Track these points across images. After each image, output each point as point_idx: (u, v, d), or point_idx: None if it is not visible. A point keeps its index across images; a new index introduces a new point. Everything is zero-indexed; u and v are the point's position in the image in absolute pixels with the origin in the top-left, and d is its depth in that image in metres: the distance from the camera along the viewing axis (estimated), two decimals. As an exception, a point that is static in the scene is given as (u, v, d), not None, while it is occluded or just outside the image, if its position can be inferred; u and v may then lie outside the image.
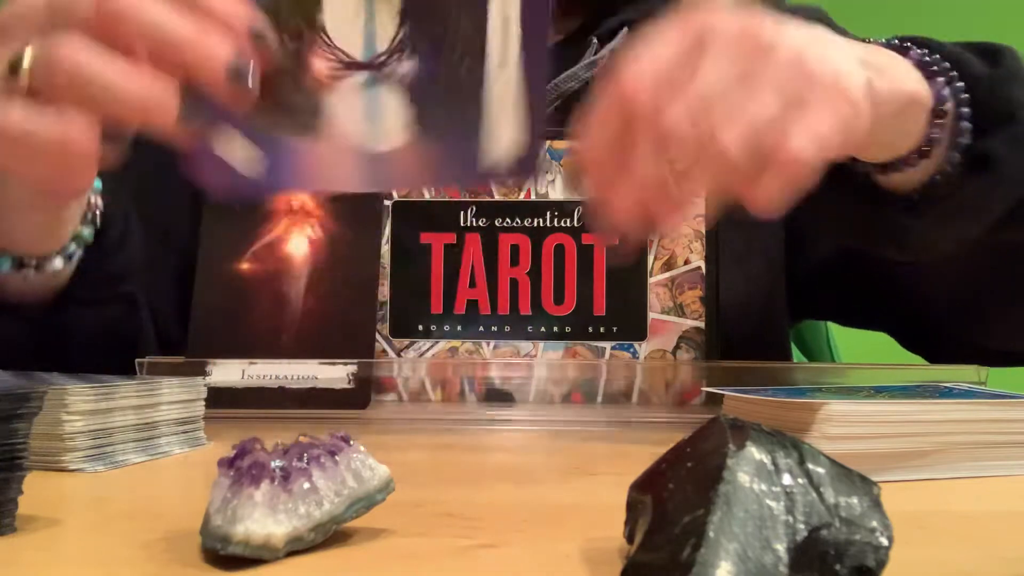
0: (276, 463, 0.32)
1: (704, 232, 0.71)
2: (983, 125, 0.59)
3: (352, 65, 0.49)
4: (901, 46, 0.59)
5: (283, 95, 0.48)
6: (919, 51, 0.58)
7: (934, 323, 0.77)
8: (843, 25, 0.90)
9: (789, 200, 0.48)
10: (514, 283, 0.71)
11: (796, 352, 1.25)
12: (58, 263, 0.58)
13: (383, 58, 0.49)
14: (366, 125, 0.49)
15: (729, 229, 0.74)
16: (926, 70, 0.58)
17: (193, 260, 0.76)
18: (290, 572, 0.31)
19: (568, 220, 0.71)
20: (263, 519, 0.31)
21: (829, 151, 0.46)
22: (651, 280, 0.71)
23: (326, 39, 0.49)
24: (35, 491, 0.37)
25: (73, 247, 0.60)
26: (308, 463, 0.33)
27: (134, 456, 0.50)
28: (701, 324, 0.70)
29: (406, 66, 0.48)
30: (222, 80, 0.44)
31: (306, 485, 0.32)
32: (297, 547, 0.32)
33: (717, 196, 0.49)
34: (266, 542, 0.31)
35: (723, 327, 0.71)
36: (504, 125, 0.48)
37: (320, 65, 0.49)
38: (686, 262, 0.71)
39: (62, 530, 0.36)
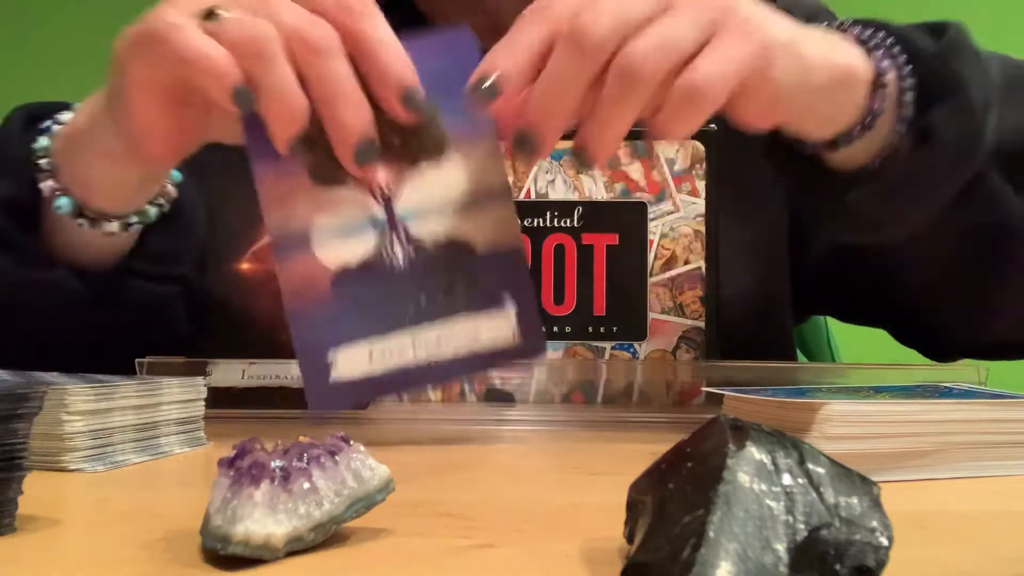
0: (276, 463, 0.32)
1: (704, 232, 0.71)
2: (927, 99, 0.59)
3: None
4: (840, 27, 0.60)
5: None
6: (858, 29, 0.59)
7: (923, 316, 0.77)
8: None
9: (691, 129, 0.50)
10: (514, 283, 0.71)
11: (797, 353, 1.25)
12: (113, 226, 0.61)
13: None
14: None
15: (729, 228, 0.74)
16: (866, 45, 0.58)
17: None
18: (290, 572, 0.31)
19: (568, 220, 0.71)
20: (263, 519, 0.31)
21: (731, 81, 0.49)
22: (651, 280, 0.71)
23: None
24: (35, 491, 0.37)
25: (133, 218, 0.62)
26: (308, 463, 0.33)
27: (134, 456, 0.50)
28: (701, 324, 0.71)
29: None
30: (347, 154, 0.50)
31: (306, 485, 0.32)
32: (297, 547, 0.32)
33: (627, 120, 0.50)
34: (266, 542, 0.31)
35: (723, 327, 0.71)
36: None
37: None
38: (686, 262, 0.71)
39: (62, 530, 0.36)
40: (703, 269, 0.71)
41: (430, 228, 0.53)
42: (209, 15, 0.49)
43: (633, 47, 0.48)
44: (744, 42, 0.50)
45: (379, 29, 0.50)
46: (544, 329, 0.53)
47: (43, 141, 0.61)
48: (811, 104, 0.55)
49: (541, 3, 0.50)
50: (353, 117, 0.49)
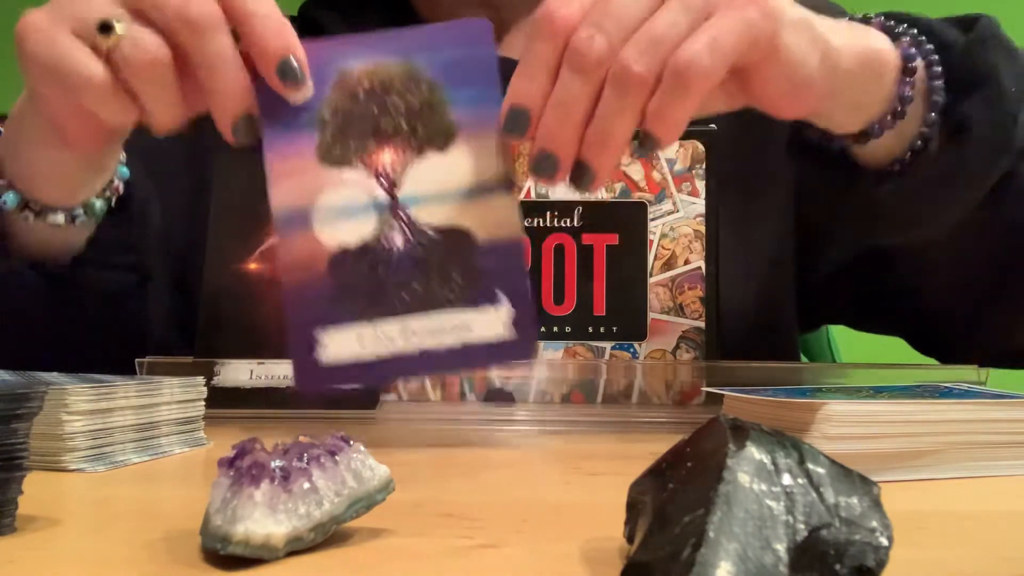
0: (276, 463, 0.32)
1: (704, 232, 0.71)
2: (958, 90, 0.58)
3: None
4: (864, 19, 0.59)
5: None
6: (882, 19, 0.58)
7: (945, 322, 0.76)
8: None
9: (685, 114, 0.49)
10: (514, 283, 0.71)
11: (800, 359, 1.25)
12: (59, 217, 0.62)
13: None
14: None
15: (730, 235, 0.74)
16: (891, 33, 0.57)
17: (189, 266, 0.78)
18: (290, 572, 0.31)
19: (568, 220, 0.71)
20: (263, 519, 0.31)
21: (722, 54, 0.48)
22: (651, 280, 0.71)
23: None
24: (35, 491, 0.37)
25: (79, 211, 0.63)
26: (308, 463, 0.33)
27: (134, 456, 0.50)
28: (701, 324, 0.70)
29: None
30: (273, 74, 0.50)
31: (306, 485, 0.32)
32: (297, 547, 0.32)
33: (627, 129, 0.50)
34: (266, 542, 0.31)
35: (724, 334, 0.71)
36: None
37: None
38: (686, 262, 0.71)
39: (62, 530, 0.36)
40: (703, 269, 0.71)
41: (431, 215, 0.53)
42: (104, 28, 0.51)
43: (624, 53, 0.48)
44: (738, 14, 0.49)
45: (257, 3, 0.51)
46: (539, 329, 0.54)
47: None
48: (838, 89, 0.54)
49: (543, 16, 0.50)
50: (229, 95, 0.51)
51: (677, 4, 0.49)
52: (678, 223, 0.72)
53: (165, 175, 0.78)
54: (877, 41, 0.56)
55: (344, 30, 0.87)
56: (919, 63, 0.57)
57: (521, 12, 0.90)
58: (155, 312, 0.78)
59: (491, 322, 0.51)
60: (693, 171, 0.72)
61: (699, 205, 0.72)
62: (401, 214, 0.53)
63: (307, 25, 0.91)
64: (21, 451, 0.35)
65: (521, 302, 0.51)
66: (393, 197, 0.53)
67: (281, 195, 0.52)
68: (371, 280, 0.52)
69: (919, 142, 0.58)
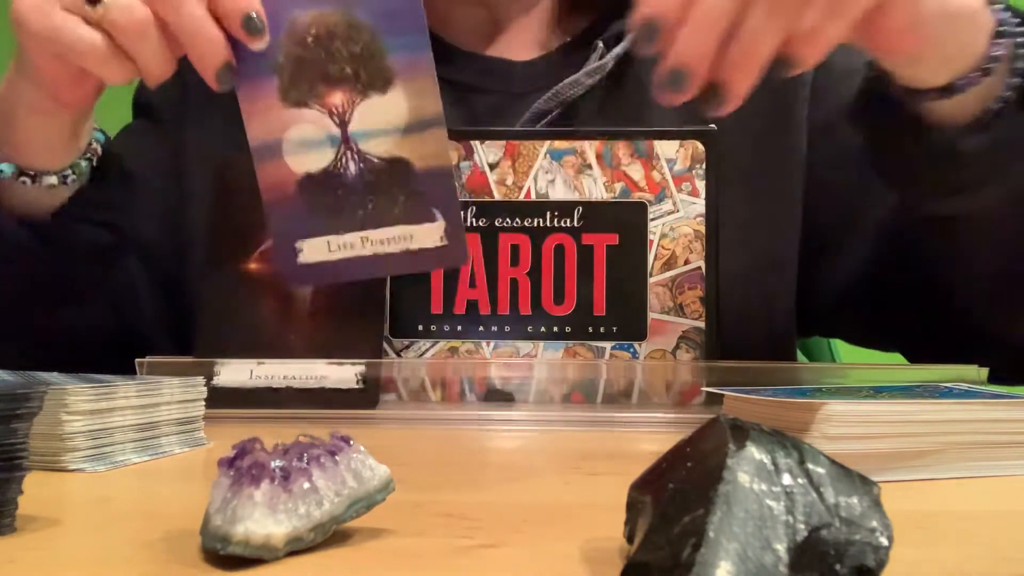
0: (276, 463, 0.32)
1: (704, 232, 0.71)
2: None
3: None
4: None
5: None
6: None
7: (960, 321, 0.75)
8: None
9: (837, 42, 0.51)
10: (514, 283, 0.71)
11: (797, 354, 1.25)
12: (53, 179, 0.69)
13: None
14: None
15: (730, 231, 0.74)
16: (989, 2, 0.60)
17: (176, 275, 0.83)
18: (290, 572, 0.31)
19: (568, 220, 0.71)
20: (263, 519, 0.31)
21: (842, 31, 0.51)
22: (651, 280, 0.71)
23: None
24: (35, 491, 0.37)
25: (69, 172, 0.70)
26: (308, 463, 0.33)
27: (134, 456, 0.50)
28: (701, 324, 0.70)
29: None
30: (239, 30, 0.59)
31: (306, 485, 0.32)
32: (297, 547, 0.32)
33: (777, 44, 0.51)
34: (266, 542, 0.31)
35: (724, 329, 0.71)
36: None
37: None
38: (686, 262, 0.71)
39: (62, 530, 0.36)
40: (703, 269, 0.71)
41: (376, 147, 0.63)
42: (92, 1, 0.58)
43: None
44: None
45: None
46: (464, 238, 0.64)
47: None
48: (942, 35, 0.56)
49: None
50: (210, 50, 0.59)
51: None
52: (678, 223, 0.72)
53: (145, 181, 0.83)
54: (978, 1, 0.58)
55: None
56: (1007, 29, 0.60)
57: (515, 12, 0.90)
58: (145, 307, 0.80)
59: (430, 233, 0.63)
60: (693, 171, 0.72)
61: (699, 205, 0.72)
62: (352, 146, 0.63)
63: None
64: (21, 451, 0.35)
65: (453, 218, 0.62)
66: (345, 132, 0.63)
67: (254, 130, 0.63)
68: (333, 200, 0.64)
69: (999, 103, 0.61)
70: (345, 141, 0.63)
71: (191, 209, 0.85)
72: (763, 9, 0.49)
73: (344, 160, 0.63)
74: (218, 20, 0.59)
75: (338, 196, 0.63)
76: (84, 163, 0.71)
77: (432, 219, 0.62)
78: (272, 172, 0.63)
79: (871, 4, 0.51)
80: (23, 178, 0.68)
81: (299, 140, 0.63)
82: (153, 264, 0.83)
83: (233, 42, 0.60)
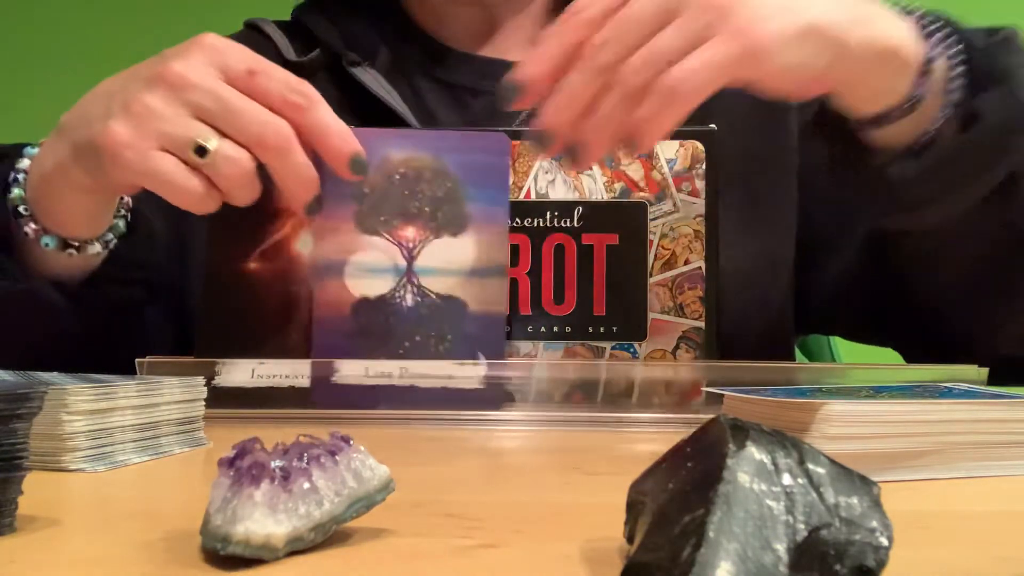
0: (276, 463, 0.32)
1: (704, 232, 0.71)
2: (975, 86, 0.62)
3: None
4: (908, 9, 0.63)
5: None
6: (922, 15, 0.63)
7: (937, 325, 0.76)
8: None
9: (670, 129, 0.57)
10: (514, 283, 0.71)
11: (797, 353, 1.25)
12: (97, 247, 0.68)
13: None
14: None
15: (730, 231, 0.74)
16: (923, 30, 0.62)
17: (183, 299, 0.83)
18: (290, 572, 0.31)
19: (568, 220, 0.71)
20: (263, 519, 0.31)
21: (713, 79, 0.55)
22: (651, 280, 0.71)
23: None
24: (35, 491, 0.37)
25: (110, 235, 0.69)
26: (308, 463, 0.33)
27: (134, 456, 0.50)
28: (701, 324, 0.70)
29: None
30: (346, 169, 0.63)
31: (306, 485, 0.32)
32: (297, 547, 0.32)
33: (614, 122, 0.57)
34: (266, 542, 0.31)
35: (723, 329, 0.71)
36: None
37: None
38: (686, 262, 0.71)
39: (62, 530, 0.36)
40: (703, 269, 0.71)
41: (437, 284, 0.66)
42: (199, 151, 0.60)
43: (628, 64, 0.55)
44: (729, 44, 0.55)
45: (324, 116, 0.62)
46: (503, 388, 0.65)
47: (17, 191, 0.67)
48: (853, 80, 0.60)
49: (570, 10, 0.58)
50: (304, 192, 0.62)
51: (681, 24, 0.55)
52: (678, 223, 0.72)
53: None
54: (902, 38, 0.60)
55: (334, 35, 0.87)
56: (941, 63, 0.62)
57: (510, 12, 0.90)
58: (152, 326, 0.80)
59: (470, 375, 0.64)
60: (693, 171, 0.72)
61: (699, 205, 0.72)
62: (414, 279, 0.66)
63: (298, 31, 0.91)
64: (21, 451, 0.35)
65: (496, 365, 0.65)
66: (410, 265, 0.67)
67: (323, 247, 0.67)
68: (383, 327, 0.66)
69: (932, 130, 0.62)
70: (409, 273, 0.67)
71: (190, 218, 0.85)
72: (613, 96, 0.56)
73: (403, 291, 0.66)
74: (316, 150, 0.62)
75: (389, 324, 0.66)
76: (121, 222, 0.70)
77: (475, 362, 0.65)
78: (330, 290, 0.66)
79: (702, 97, 0.56)
80: (69, 250, 0.67)
81: (364, 265, 0.67)
82: (163, 294, 0.83)
83: (324, 168, 0.63)
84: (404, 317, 0.66)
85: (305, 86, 0.62)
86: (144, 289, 0.74)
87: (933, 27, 0.63)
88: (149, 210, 0.73)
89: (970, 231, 0.67)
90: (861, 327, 0.89)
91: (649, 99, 0.55)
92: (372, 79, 0.85)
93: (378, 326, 0.66)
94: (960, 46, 0.63)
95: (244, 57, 0.62)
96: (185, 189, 0.60)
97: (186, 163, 0.60)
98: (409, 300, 0.66)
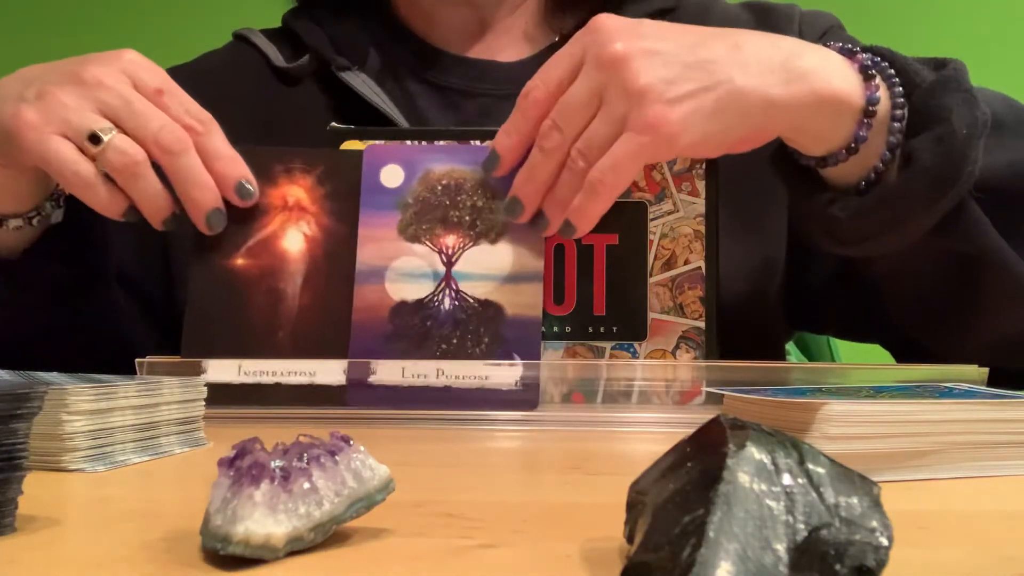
0: (276, 463, 0.32)
1: (704, 232, 0.71)
2: (914, 127, 0.64)
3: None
4: (851, 51, 0.65)
5: None
6: (865, 56, 0.65)
7: (908, 332, 0.77)
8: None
9: (599, 216, 0.65)
10: (514, 283, 0.71)
11: (797, 353, 1.25)
12: (17, 221, 0.70)
13: None
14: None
15: (729, 231, 0.74)
16: (866, 73, 0.64)
17: (163, 293, 0.85)
18: (290, 572, 0.31)
19: (568, 220, 0.71)
20: (263, 519, 0.31)
21: (628, 172, 0.63)
22: (651, 280, 0.71)
23: None
24: (35, 491, 0.37)
25: (34, 213, 0.71)
26: (308, 463, 0.33)
27: (134, 456, 0.50)
28: (701, 324, 0.70)
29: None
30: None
31: (306, 485, 0.32)
32: (297, 547, 0.32)
33: (568, 201, 0.65)
34: (266, 542, 0.31)
35: (723, 329, 0.71)
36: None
37: None
38: (686, 262, 0.71)
39: (62, 530, 0.36)
40: (703, 269, 0.71)
41: (475, 289, 0.68)
42: (93, 139, 0.64)
43: (574, 148, 0.63)
44: (639, 137, 0.61)
45: (216, 142, 0.67)
46: (539, 388, 0.66)
47: None
48: (792, 127, 0.64)
49: (523, 94, 0.66)
50: (200, 196, 0.66)
51: (604, 114, 0.62)
52: (678, 223, 0.71)
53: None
54: (843, 83, 0.63)
55: (323, 41, 0.87)
56: (883, 106, 0.64)
57: (500, 13, 0.89)
58: (130, 330, 0.82)
59: (506, 376, 0.66)
60: (693, 171, 0.72)
61: (699, 205, 0.71)
62: (452, 284, 0.69)
63: (288, 36, 0.91)
64: (21, 451, 0.35)
65: (532, 366, 0.66)
66: (449, 271, 0.69)
67: (365, 255, 0.69)
68: (420, 330, 0.68)
69: (873, 172, 0.65)
70: (447, 279, 0.69)
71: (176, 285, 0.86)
72: (567, 174, 0.64)
73: (441, 296, 0.68)
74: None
75: (427, 327, 0.68)
76: (49, 205, 0.71)
77: (511, 360, 0.67)
78: (369, 294, 0.69)
79: (622, 188, 0.64)
80: None
81: (404, 270, 0.69)
82: (137, 287, 0.84)
83: (368, 181, 0.70)
84: (441, 320, 0.68)
85: (204, 114, 0.67)
86: (88, 271, 0.75)
87: (876, 67, 0.64)
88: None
89: (922, 258, 0.68)
90: (847, 327, 0.91)
91: (580, 192, 0.63)
92: (362, 83, 0.85)
93: (415, 329, 0.68)
94: (901, 87, 0.64)
95: (157, 76, 0.67)
96: (76, 174, 0.64)
97: (83, 152, 0.64)
98: (447, 304, 0.68)
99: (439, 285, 0.69)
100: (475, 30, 0.90)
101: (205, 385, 0.56)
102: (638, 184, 0.72)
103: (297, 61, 0.88)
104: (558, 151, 0.64)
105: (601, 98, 0.62)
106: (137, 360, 0.67)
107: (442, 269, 0.69)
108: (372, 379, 0.66)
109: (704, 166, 0.72)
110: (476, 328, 0.68)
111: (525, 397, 0.65)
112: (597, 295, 0.71)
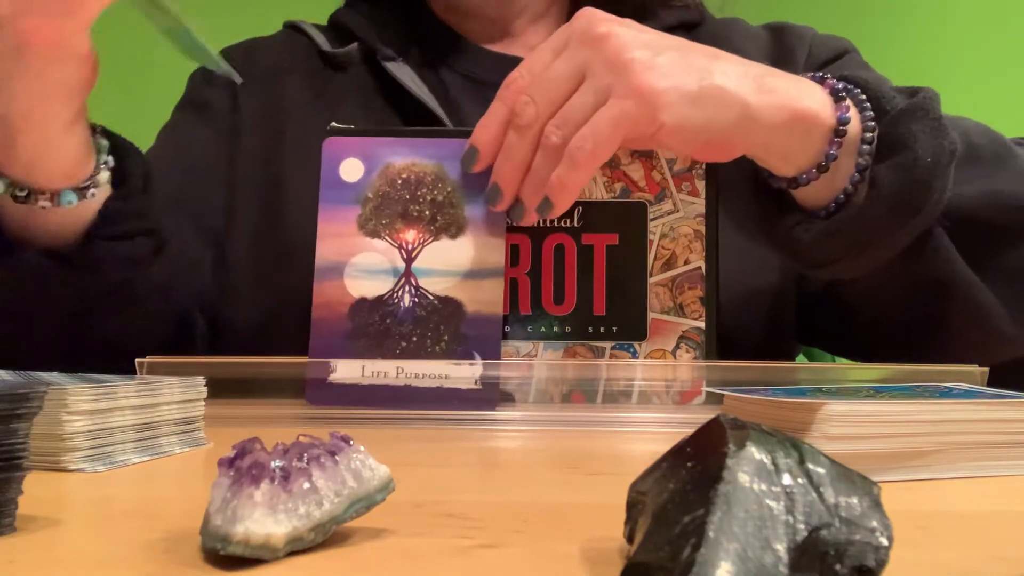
0: (276, 463, 0.32)
1: (704, 232, 0.71)
2: (881, 153, 0.64)
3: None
4: (822, 77, 0.66)
5: None
6: (837, 81, 0.66)
7: (879, 351, 0.78)
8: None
9: (578, 190, 0.64)
10: (514, 283, 0.71)
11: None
12: (72, 197, 0.64)
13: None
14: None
15: (729, 231, 0.74)
16: (836, 95, 0.65)
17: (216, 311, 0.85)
18: (290, 572, 0.31)
19: (568, 220, 0.71)
20: (263, 519, 0.31)
21: (610, 141, 0.61)
22: (651, 280, 0.71)
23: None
24: (35, 491, 0.37)
25: (89, 183, 0.65)
26: (308, 463, 0.33)
27: (134, 456, 0.50)
28: (701, 324, 0.70)
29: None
30: None
31: (306, 485, 0.32)
32: (297, 547, 0.32)
33: (545, 180, 0.64)
34: (266, 542, 0.31)
35: (723, 329, 0.72)
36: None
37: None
38: (686, 262, 0.71)
39: (62, 530, 0.36)
40: (703, 269, 0.71)
41: (435, 285, 0.68)
42: None
43: (548, 126, 0.63)
44: (619, 105, 0.60)
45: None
46: (498, 388, 0.66)
47: None
48: (762, 142, 0.64)
49: (504, 82, 0.65)
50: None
51: (588, 84, 0.62)
52: (678, 223, 0.71)
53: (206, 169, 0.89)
54: (813, 102, 0.64)
55: (371, 33, 0.91)
56: (854, 128, 0.64)
57: (533, 8, 0.93)
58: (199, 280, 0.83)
59: (465, 375, 0.65)
60: (693, 171, 0.72)
61: (699, 205, 0.71)
62: (412, 281, 0.68)
63: (336, 30, 0.96)
64: (21, 451, 0.35)
65: (491, 365, 0.66)
66: (408, 266, 0.68)
67: (324, 251, 0.68)
68: (379, 327, 0.67)
69: (842, 195, 0.65)
70: (407, 275, 0.68)
71: (236, 220, 0.87)
72: (542, 154, 0.63)
73: (401, 292, 0.68)
74: None
75: (386, 324, 0.67)
76: (103, 174, 0.66)
77: (471, 358, 0.66)
78: (329, 290, 0.68)
79: (603, 158, 0.63)
80: (43, 203, 0.63)
81: (363, 266, 0.68)
82: (213, 240, 0.85)
83: (328, 175, 0.69)
84: (401, 317, 0.67)
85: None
86: (149, 241, 0.70)
87: (847, 91, 0.65)
88: (144, 166, 0.71)
89: (888, 283, 0.69)
90: (832, 342, 0.92)
91: (560, 163, 0.62)
92: (404, 73, 0.89)
93: (374, 327, 0.67)
94: (875, 112, 0.64)
95: None
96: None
97: None
98: (407, 301, 0.67)
99: (399, 281, 0.68)
100: (505, 25, 0.93)
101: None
102: (638, 184, 0.72)
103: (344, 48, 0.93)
104: (532, 128, 0.63)
105: (584, 73, 0.62)
106: (137, 360, 0.67)
107: (402, 265, 0.68)
108: (332, 377, 0.65)
109: (704, 166, 0.72)
110: (436, 326, 0.67)
111: (484, 396, 0.65)
112: (597, 295, 0.71)
